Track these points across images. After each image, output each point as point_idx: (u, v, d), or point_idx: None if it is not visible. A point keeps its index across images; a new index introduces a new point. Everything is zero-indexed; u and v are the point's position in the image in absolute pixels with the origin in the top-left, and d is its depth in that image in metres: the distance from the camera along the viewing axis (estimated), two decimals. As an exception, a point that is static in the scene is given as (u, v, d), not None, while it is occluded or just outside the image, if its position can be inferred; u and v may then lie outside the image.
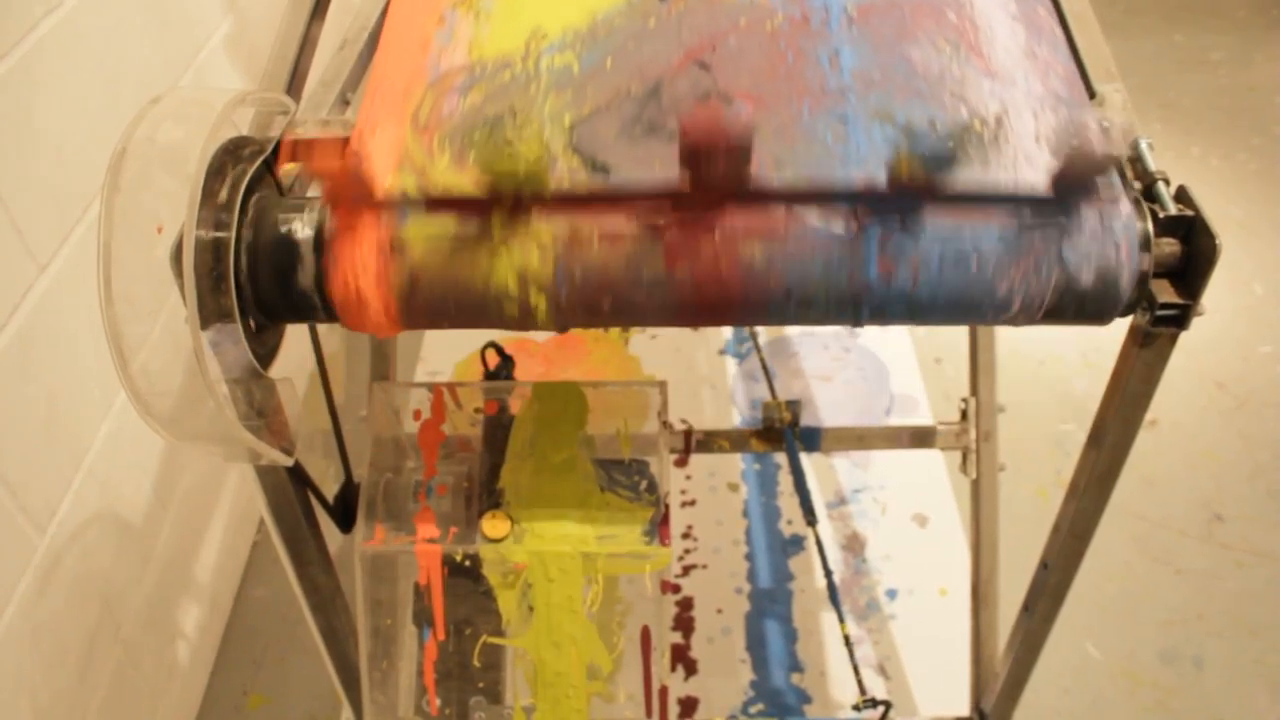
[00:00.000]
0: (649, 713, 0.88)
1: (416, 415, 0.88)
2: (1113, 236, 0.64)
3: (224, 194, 0.63)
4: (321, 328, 0.80)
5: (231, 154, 0.65)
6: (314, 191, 0.75)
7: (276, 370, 0.69)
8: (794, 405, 1.28)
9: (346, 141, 0.69)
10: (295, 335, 0.74)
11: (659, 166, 0.65)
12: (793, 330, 1.99)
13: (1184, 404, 1.83)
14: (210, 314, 0.62)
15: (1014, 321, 0.67)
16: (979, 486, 1.32)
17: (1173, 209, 0.65)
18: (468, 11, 0.79)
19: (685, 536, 1.65)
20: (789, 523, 1.67)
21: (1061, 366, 1.91)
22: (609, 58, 0.72)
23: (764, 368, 1.49)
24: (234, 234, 0.63)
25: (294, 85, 0.79)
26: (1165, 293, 0.66)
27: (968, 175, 0.65)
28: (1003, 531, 1.32)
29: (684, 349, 1.98)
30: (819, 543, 1.24)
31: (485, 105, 0.69)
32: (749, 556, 1.62)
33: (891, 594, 1.57)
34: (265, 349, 0.69)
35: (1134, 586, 1.57)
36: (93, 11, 1.18)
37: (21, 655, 1.07)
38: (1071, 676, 1.46)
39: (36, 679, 1.09)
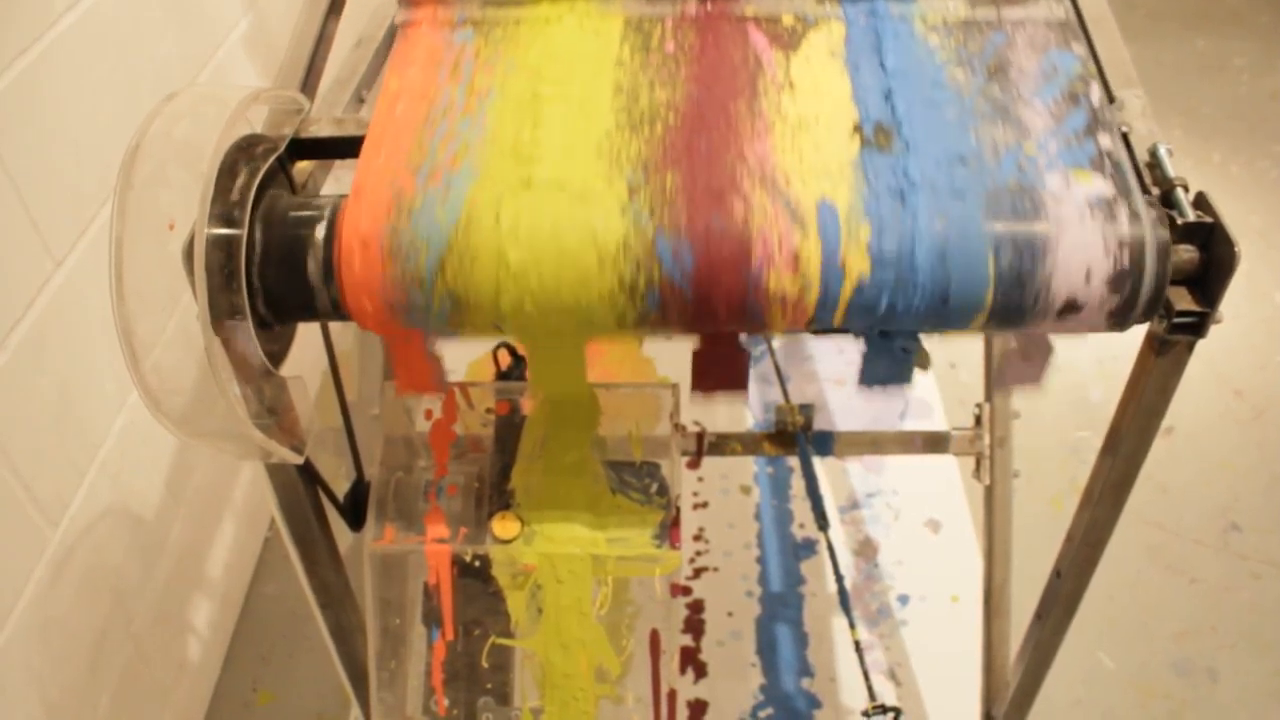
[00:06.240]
0: (657, 716, 0.87)
1: (428, 414, 0.88)
2: (1130, 242, 0.64)
3: (236, 191, 0.63)
4: (334, 325, 0.80)
5: (244, 151, 0.65)
6: (327, 190, 0.75)
7: (288, 368, 0.69)
8: (807, 409, 1.28)
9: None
10: (308, 333, 0.74)
11: None
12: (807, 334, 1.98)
13: (1201, 412, 1.81)
14: (222, 311, 0.62)
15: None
16: (992, 493, 1.32)
17: (1191, 216, 0.65)
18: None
19: (696, 539, 1.65)
20: (801, 527, 1.66)
21: (1077, 373, 1.89)
22: None
23: (777, 371, 1.49)
24: (246, 231, 0.63)
25: (309, 83, 0.79)
26: (1183, 300, 0.66)
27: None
28: (1016, 538, 1.31)
29: (698, 351, 1.97)
30: (830, 547, 1.24)
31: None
32: (760, 560, 1.62)
33: (903, 600, 1.56)
34: (277, 347, 0.69)
35: (1148, 596, 1.56)
36: (112, 8, 1.18)
37: (32, 649, 1.07)
38: (1083, 686, 1.45)
39: (46, 673, 1.10)
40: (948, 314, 0.65)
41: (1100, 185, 0.66)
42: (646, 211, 0.64)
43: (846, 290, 0.63)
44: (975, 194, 0.65)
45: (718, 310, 0.64)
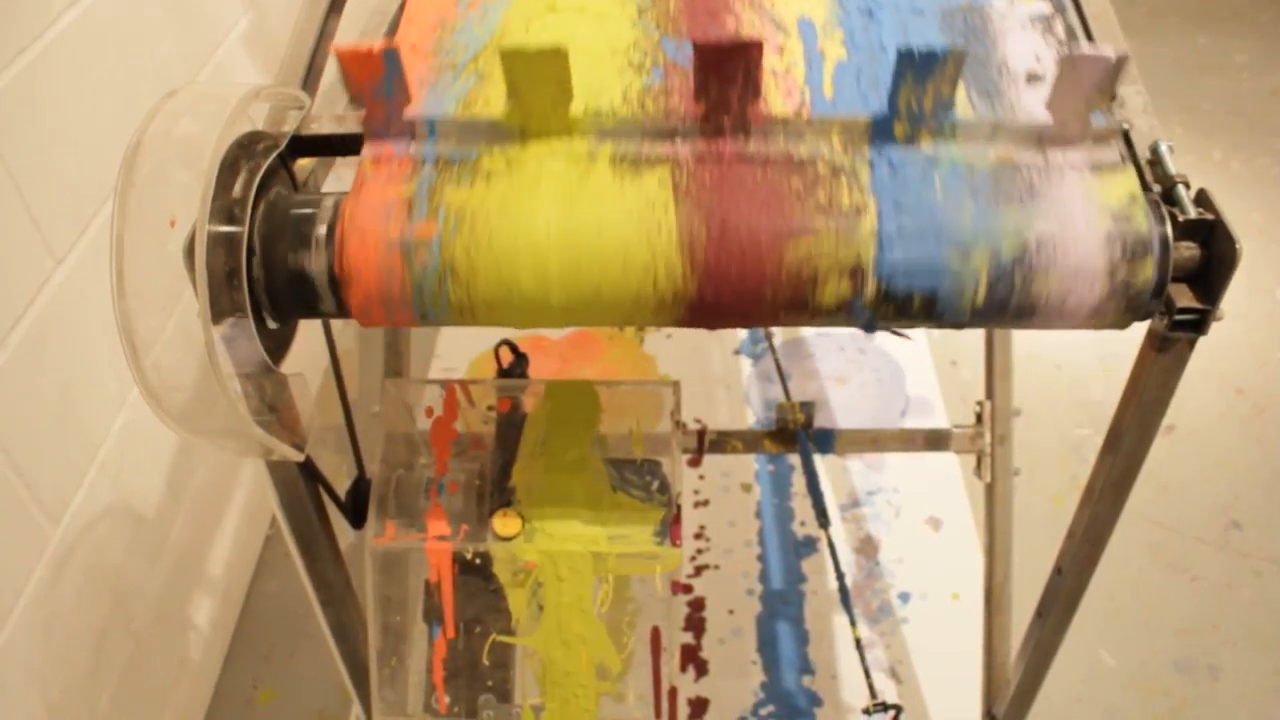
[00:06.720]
0: (658, 713, 0.87)
1: (429, 412, 0.88)
2: (1131, 240, 0.64)
3: (237, 188, 0.63)
4: (335, 323, 0.80)
5: (245, 149, 0.65)
6: (328, 187, 0.75)
7: (290, 365, 0.69)
8: (808, 407, 1.27)
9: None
10: (309, 330, 0.74)
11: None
12: (808, 331, 1.98)
13: (1202, 410, 1.82)
14: (223, 309, 0.62)
15: (1032, 325, 0.67)
16: (993, 491, 1.32)
17: (1193, 213, 0.65)
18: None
19: (698, 537, 1.65)
20: (802, 524, 1.67)
21: (1078, 371, 1.89)
22: None
23: (778, 369, 1.49)
24: (246, 229, 0.63)
25: (309, 80, 0.79)
26: (1184, 297, 0.66)
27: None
28: (1017, 536, 1.31)
29: (700, 349, 1.97)
30: (831, 545, 1.24)
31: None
32: (761, 558, 1.62)
33: (904, 598, 1.56)
34: (278, 344, 0.69)
35: (1149, 594, 1.56)
36: (112, 7, 1.18)
37: (33, 647, 1.07)
38: (1084, 684, 1.45)
39: (47, 671, 1.10)
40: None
41: (1040, 6, 0.79)
42: (653, 25, 0.78)
43: (828, 68, 0.74)
44: (932, 12, 0.79)
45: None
